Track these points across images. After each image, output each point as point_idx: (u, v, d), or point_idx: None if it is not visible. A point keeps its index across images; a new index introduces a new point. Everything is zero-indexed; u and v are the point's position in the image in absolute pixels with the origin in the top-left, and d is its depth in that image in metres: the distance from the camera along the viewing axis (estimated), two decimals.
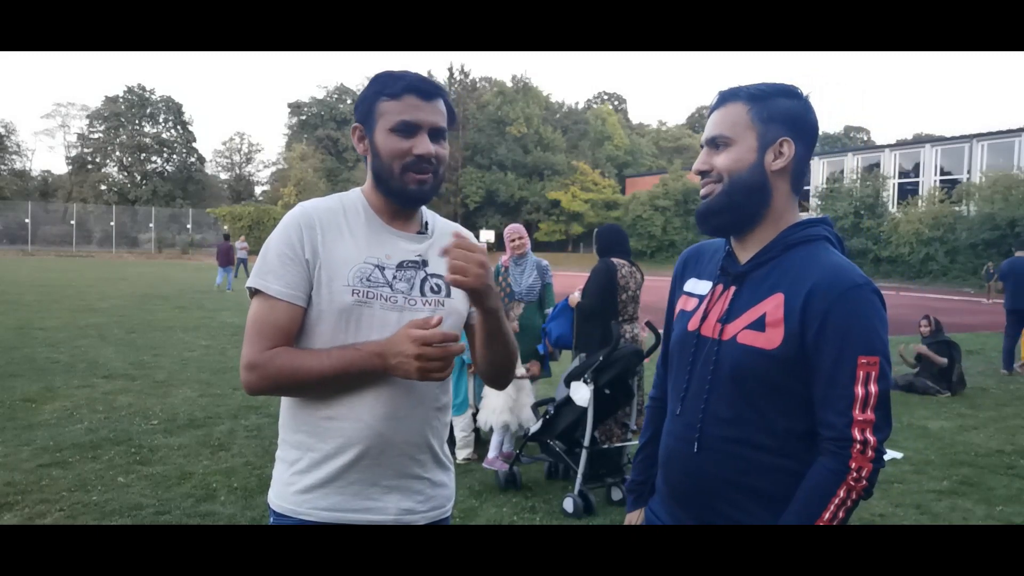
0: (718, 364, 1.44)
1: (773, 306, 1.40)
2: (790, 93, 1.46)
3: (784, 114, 1.45)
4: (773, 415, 1.40)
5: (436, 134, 1.51)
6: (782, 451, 1.40)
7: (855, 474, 1.31)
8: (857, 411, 1.32)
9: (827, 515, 1.32)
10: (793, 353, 1.36)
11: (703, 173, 1.49)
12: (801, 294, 1.37)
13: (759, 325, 1.40)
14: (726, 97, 1.48)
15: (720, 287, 1.51)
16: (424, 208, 1.64)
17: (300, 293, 1.47)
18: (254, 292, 1.48)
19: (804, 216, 1.50)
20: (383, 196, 1.55)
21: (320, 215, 1.51)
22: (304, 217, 1.50)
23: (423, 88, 1.50)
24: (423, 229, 1.60)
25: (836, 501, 1.32)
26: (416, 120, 1.48)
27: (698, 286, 1.58)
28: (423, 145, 1.49)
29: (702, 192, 1.50)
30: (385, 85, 1.51)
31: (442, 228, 1.65)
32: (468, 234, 1.72)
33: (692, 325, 1.52)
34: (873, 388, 1.32)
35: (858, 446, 1.31)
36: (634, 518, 1.71)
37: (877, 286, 1.40)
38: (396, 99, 1.49)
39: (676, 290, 1.66)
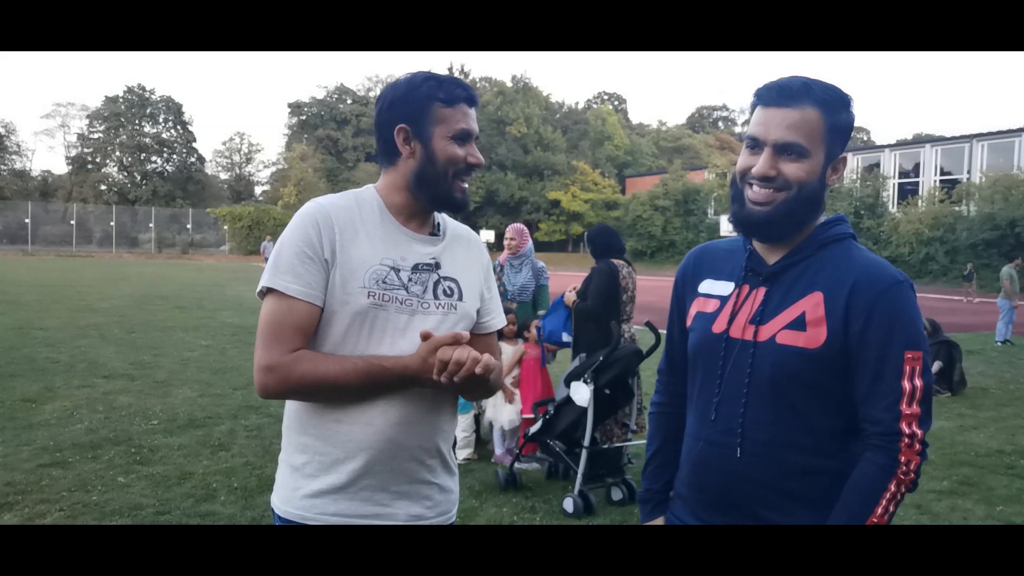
0: (755, 366, 1.40)
1: (812, 305, 1.37)
2: (849, 105, 1.41)
3: (845, 129, 1.41)
4: (814, 415, 1.38)
5: (476, 141, 1.55)
6: (822, 451, 1.38)
7: (904, 467, 1.31)
8: (904, 405, 1.31)
9: (879, 510, 1.30)
10: (836, 351, 1.34)
11: (768, 179, 1.38)
12: (843, 291, 1.35)
13: (799, 324, 1.37)
14: (799, 95, 1.36)
15: (747, 288, 1.46)
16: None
17: (318, 293, 1.44)
18: (268, 291, 1.45)
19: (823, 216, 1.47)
20: (415, 198, 1.52)
21: (337, 213, 1.48)
22: (321, 214, 1.47)
23: (475, 98, 1.54)
24: (436, 231, 1.59)
25: (888, 496, 1.31)
26: (472, 129, 1.52)
27: (716, 287, 1.52)
28: (476, 154, 1.53)
29: (758, 197, 1.39)
30: (440, 88, 1.49)
31: (453, 230, 1.63)
32: (477, 238, 1.71)
33: (718, 327, 1.47)
34: (919, 382, 1.32)
35: (906, 440, 1.31)
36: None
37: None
38: (453, 106, 1.49)
39: (687, 292, 1.59)
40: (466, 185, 1.54)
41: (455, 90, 1.50)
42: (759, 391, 1.40)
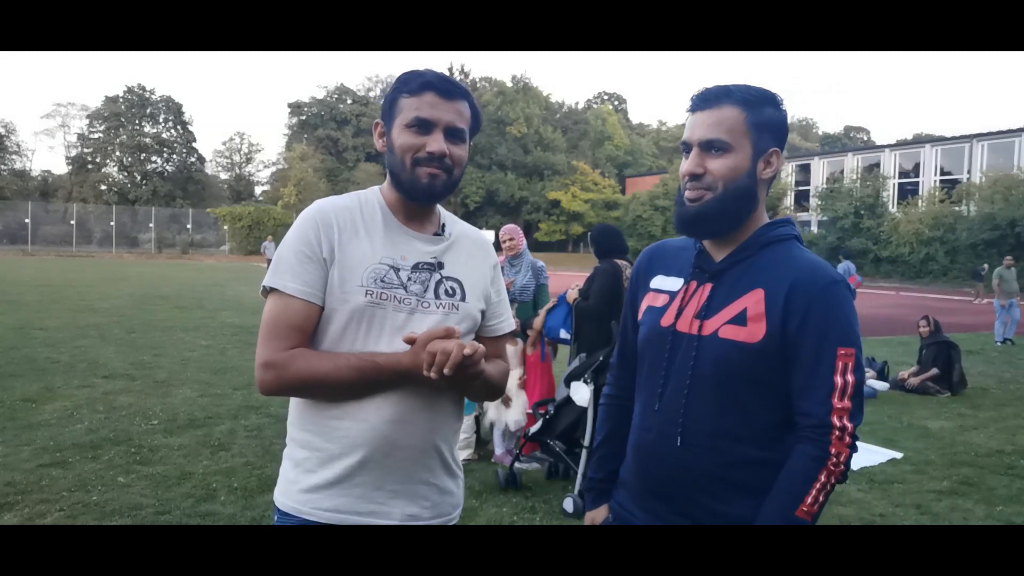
0: (699, 359, 1.45)
1: (754, 301, 1.43)
2: (775, 102, 1.48)
3: (773, 124, 1.47)
4: (754, 407, 1.43)
5: (453, 134, 1.49)
6: (761, 443, 1.44)
7: (834, 459, 1.36)
8: (836, 399, 1.37)
9: (809, 499, 1.36)
10: (774, 346, 1.40)
11: (695, 176, 1.46)
12: (783, 289, 1.41)
13: (740, 320, 1.43)
14: (718, 97, 1.46)
15: (695, 284, 1.52)
16: (443, 211, 1.63)
17: (317, 292, 1.45)
18: (269, 290, 1.47)
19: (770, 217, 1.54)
20: (398, 193, 1.53)
21: (337, 213, 1.50)
22: (321, 215, 1.49)
23: (442, 86, 1.49)
24: (440, 231, 1.58)
25: (817, 486, 1.36)
26: (431, 117, 1.47)
27: (667, 283, 1.58)
28: (436, 143, 1.47)
29: (690, 195, 1.47)
30: (406, 82, 1.50)
31: (461, 231, 1.63)
32: (486, 241, 1.70)
33: (666, 321, 1.53)
34: (850, 378, 1.38)
35: (836, 432, 1.37)
36: (598, 516, 1.68)
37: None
38: (415, 95, 1.48)
39: (640, 288, 1.65)
40: (435, 172, 1.48)
41: (418, 79, 1.49)
42: (702, 383, 1.45)
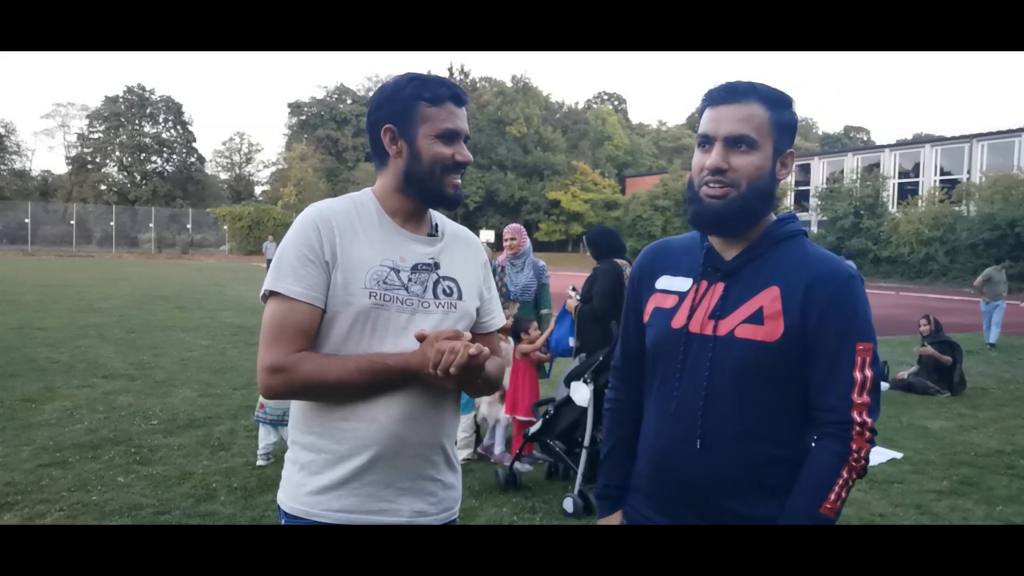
0: (715, 360, 1.43)
1: (770, 299, 1.41)
2: (791, 105, 1.47)
3: (790, 126, 1.47)
4: (775, 406, 1.42)
5: (466, 139, 1.57)
6: (782, 440, 1.43)
7: (856, 455, 1.36)
8: (856, 395, 1.37)
9: (832, 496, 1.35)
10: (793, 343, 1.39)
11: (719, 171, 1.42)
12: (800, 286, 1.40)
13: (757, 318, 1.41)
14: (744, 93, 1.43)
15: (705, 283, 1.50)
16: (432, 211, 1.65)
17: (320, 295, 1.46)
18: (270, 294, 1.47)
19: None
20: (409, 197, 1.55)
21: (336, 216, 1.51)
22: (321, 218, 1.50)
23: (461, 97, 1.55)
24: (433, 231, 1.61)
25: (840, 482, 1.36)
26: (459, 128, 1.53)
27: (674, 283, 1.55)
28: (464, 152, 1.54)
29: (712, 192, 1.43)
30: (425, 88, 1.51)
31: (452, 231, 1.66)
32: (475, 238, 1.73)
33: (677, 323, 1.50)
34: (868, 372, 1.38)
35: (857, 428, 1.36)
36: (613, 522, 1.64)
37: (867, 285, 1.45)
38: (438, 105, 1.51)
39: (644, 288, 1.61)
40: (458, 181, 1.55)
41: (440, 89, 1.52)
42: (719, 384, 1.43)
